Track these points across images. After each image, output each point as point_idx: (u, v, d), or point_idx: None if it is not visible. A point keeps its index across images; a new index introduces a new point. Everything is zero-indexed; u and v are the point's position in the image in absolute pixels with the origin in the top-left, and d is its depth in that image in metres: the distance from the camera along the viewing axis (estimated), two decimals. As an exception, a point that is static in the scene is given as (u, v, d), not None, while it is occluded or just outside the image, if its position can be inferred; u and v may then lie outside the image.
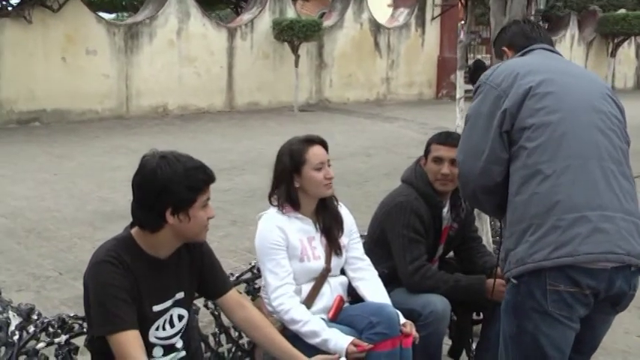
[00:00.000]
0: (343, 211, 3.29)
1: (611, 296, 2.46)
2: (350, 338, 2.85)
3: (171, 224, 2.36)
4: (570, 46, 28.87)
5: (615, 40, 30.10)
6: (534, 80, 2.54)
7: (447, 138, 3.49)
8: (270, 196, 3.17)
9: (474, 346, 3.87)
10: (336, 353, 2.79)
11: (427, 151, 3.53)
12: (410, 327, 3.02)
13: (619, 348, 4.57)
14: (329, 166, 3.11)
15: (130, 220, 2.48)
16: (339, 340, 2.84)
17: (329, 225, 3.16)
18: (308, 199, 3.11)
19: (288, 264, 3.01)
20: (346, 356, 2.76)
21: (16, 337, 2.36)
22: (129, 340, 2.26)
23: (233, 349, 3.12)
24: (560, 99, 2.52)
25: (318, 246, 3.13)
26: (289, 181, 3.11)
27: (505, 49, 2.91)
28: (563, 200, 2.40)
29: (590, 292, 2.41)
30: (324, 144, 3.15)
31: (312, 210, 3.16)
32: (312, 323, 2.90)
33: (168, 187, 2.31)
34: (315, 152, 3.09)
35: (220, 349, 3.07)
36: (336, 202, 3.25)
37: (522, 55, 2.79)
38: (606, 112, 2.57)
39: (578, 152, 2.45)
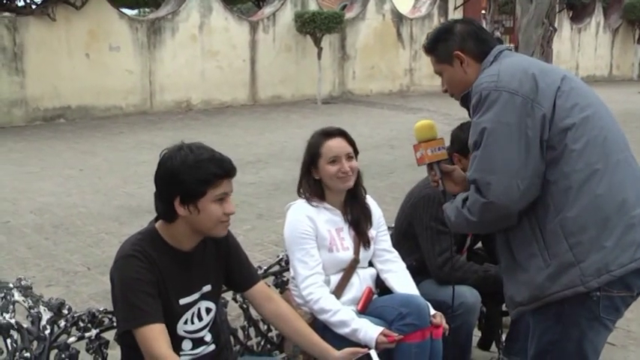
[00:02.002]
0: (371, 203, 3.27)
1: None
2: (380, 328, 2.83)
3: (183, 215, 2.35)
4: (595, 34, 28.50)
5: (642, 27, 29.65)
6: (555, 79, 2.37)
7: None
8: (298, 188, 3.17)
9: (503, 337, 3.83)
10: (366, 343, 2.77)
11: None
12: (440, 318, 2.99)
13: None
14: (350, 158, 3.08)
15: (155, 214, 2.48)
16: (369, 330, 2.82)
17: (357, 217, 3.15)
18: (333, 191, 3.10)
19: (317, 254, 3.00)
20: (376, 347, 2.74)
21: (47, 332, 2.38)
22: (154, 334, 2.26)
23: (262, 342, 3.12)
24: (582, 94, 2.40)
25: (346, 237, 3.11)
26: (309, 174, 3.11)
27: (459, 53, 2.54)
28: (628, 196, 2.29)
29: (637, 293, 2.34)
30: (345, 136, 3.12)
31: (340, 201, 3.14)
32: (342, 313, 2.89)
33: (176, 176, 2.31)
34: (330, 145, 3.07)
35: (249, 343, 3.07)
36: (364, 195, 3.23)
37: (495, 59, 2.50)
38: (604, 103, 2.51)
39: (618, 145, 2.37)
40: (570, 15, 28.03)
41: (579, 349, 2.36)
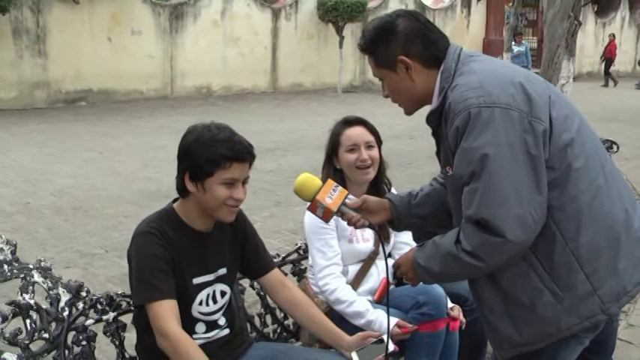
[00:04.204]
0: None
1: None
2: (395, 320, 2.82)
3: (192, 192, 2.36)
4: (620, 28, 28.21)
5: (668, 22, 29.30)
6: (542, 86, 2.08)
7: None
8: (321, 177, 3.15)
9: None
10: (381, 335, 2.77)
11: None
12: (457, 311, 2.97)
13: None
14: (370, 147, 3.04)
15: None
16: (384, 321, 2.82)
17: None
18: (353, 182, 3.08)
19: (336, 244, 2.99)
20: (391, 338, 2.73)
21: (65, 313, 2.39)
22: (164, 310, 2.26)
23: (278, 330, 3.12)
24: (566, 100, 2.13)
25: (367, 229, 3.09)
26: (331, 163, 3.10)
27: (404, 58, 2.14)
28: (627, 208, 2.09)
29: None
30: (365, 124, 3.09)
31: (363, 192, 3.11)
32: (358, 304, 2.88)
33: (188, 151, 2.33)
34: (349, 134, 3.05)
35: (266, 330, 3.07)
36: (388, 187, 3.20)
37: (461, 64, 2.12)
38: None
39: (606, 154, 2.17)
40: (595, 9, 27.74)
41: None
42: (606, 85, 24.33)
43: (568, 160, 1.99)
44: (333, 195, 2.33)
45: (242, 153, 2.34)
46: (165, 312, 2.26)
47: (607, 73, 24.55)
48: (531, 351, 2.11)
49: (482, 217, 1.94)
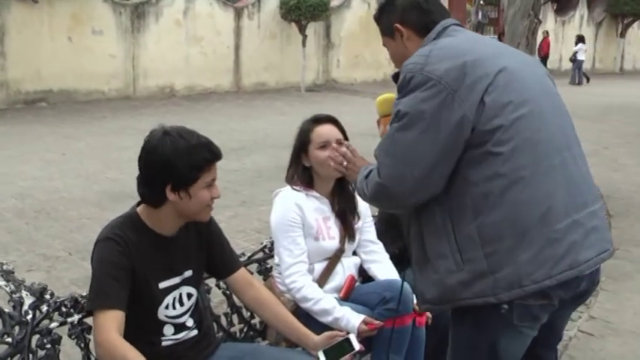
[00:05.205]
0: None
1: (575, 296, 2.22)
2: (361, 316, 2.84)
3: (172, 201, 2.34)
4: (579, 27, 28.66)
5: (625, 21, 29.89)
6: (488, 71, 2.12)
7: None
8: (287, 175, 3.16)
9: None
10: (348, 332, 2.79)
11: None
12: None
13: (628, 329, 4.56)
14: (340, 145, 3.07)
15: (138, 200, 2.48)
16: (351, 318, 2.84)
17: (344, 208, 3.15)
18: (322, 179, 3.10)
19: (303, 242, 3.00)
20: (358, 335, 2.76)
21: (29, 317, 2.36)
22: (106, 320, 2.23)
23: (245, 329, 3.12)
24: (520, 89, 2.16)
25: (332, 226, 3.11)
26: (298, 160, 3.11)
27: (399, 26, 2.35)
28: (553, 207, 2.09)
29: (557, 300, 2.16)
30: (335, 122, 3.12)
31: (328, 190, 3.14)
32: (324, 302, 2.90)
33: (169, 163, 2.29)
34: (320, 131, 3.07)
35: (232, 329, 3.07)
36: (353, 186, 3.23)
37: (439, 36, 2.28)
38: (556, 93, 2.33)
39: (554, 148, 2.17)
40: (555, 7, 28.16)
41: (493, 356, 2.23)
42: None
43: (492, 143, 2.07)
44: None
45: (219, 152, 2.38)
46: (107, 322, 2.23)
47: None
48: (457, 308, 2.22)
49: (375, 154, 2.22)
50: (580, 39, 25.01)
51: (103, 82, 16.17)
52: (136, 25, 16.66)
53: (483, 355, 2.24)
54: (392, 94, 2.52)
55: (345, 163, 2.53)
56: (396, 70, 2.34)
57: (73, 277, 5.22)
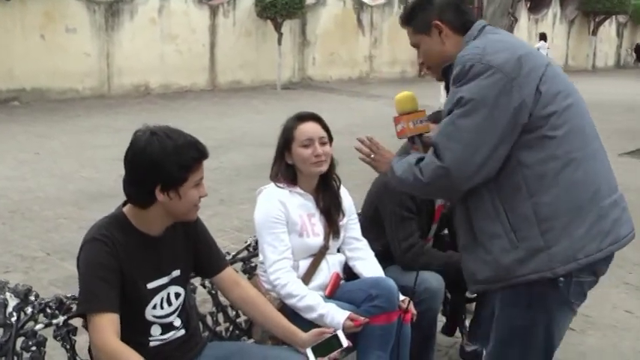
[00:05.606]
0: (343, 192, 3.27)
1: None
2: (346, 313, 2.85)
3: (161, 201, 2.33)
4: (552, 25, 28.96)
5: (597, 19, 30.20)
6: (538, 64, 2.31)
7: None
8: (271, 172, 3.16)
9: (467, 323, 3.89)
10: (333, 328, 2.78)
11: None
12: (409, 303, 3.02)
13: (607, 322, 4.63)
14: (323, 143, 3.08)
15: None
16: (336, 314, 2.84)
17: (328, 205, 3.15)
18: (305, 176, 3.10)
19: (287, 239, 3.00)
20: (343, 331, 2.76)
21: (14, 319, 2.32)
22: (102, 323, 2.23)
23: (231, 328, 3.11)
24: (564, 82, 2.37)
25: (317, 223, 3.11)
26: (282, 158, 3.11)
27: (438, 22, 2.46)
28: (601, 187, 2.31)
29: (599, 277, 2.38)
30: (318, 120, 3.12)
31: (313, 187, 3.14)
32: (309, 298, 2.90)
33: (157, 164, 2.27)
34: (303, 129, 3.07)
35: (218, 328, 3.06)
36: (337, 184, 3.24)
37: (479, 34, 2.43)
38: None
39: (593, 135, 2.39)
40: (528, 5, 28.40)
41: (548, 335, 2.38)
42: None
43: (546, 128, 2.25)
44: (417, 124, 2.54)
45: (206, 150, 2.38)
46: (103, 325, 2.23)
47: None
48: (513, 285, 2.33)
49: (436, 141, 2.30)
50: (542, 37, 25.15)
51: (76, 81, 15.98)
52: (110, 23, 16.51)
53: (539, 336, 2.38)
54: (410, 92, 2.61)
55: (372, 155, 2.60)
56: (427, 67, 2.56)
57: (52, 278, 5.16)
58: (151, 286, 2.42)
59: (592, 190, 2.29)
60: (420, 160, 2.36)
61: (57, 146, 10.55)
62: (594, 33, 30.57)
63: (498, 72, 2.23)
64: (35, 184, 8.22)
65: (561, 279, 2.28)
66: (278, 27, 18.24)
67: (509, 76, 2.23)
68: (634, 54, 31.98)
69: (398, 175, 2.43)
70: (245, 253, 3.23)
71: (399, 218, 3.43)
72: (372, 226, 3.50)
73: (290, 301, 2.92)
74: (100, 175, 8.34)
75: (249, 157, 9.55)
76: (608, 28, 32.31)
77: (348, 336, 2.65)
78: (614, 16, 31.28)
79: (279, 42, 18.38)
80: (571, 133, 2.28)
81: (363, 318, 2.86)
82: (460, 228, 2.48)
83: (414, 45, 2.57)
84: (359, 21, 21.88)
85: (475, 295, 3.86)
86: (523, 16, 27.11)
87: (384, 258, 3.38)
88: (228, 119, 13.63)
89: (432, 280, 3.30)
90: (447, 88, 2.49)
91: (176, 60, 17.66)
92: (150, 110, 14.41)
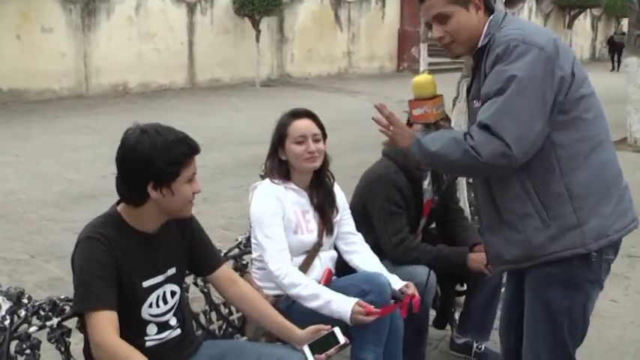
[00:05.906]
0: (336, 189, 3.28)
1: None
2: (354, 300, 2.81)
3: (155, 198, 2.33)
4: (528, 18, 29.11)
5: (572, 12, 30.45)
6: (568, 49, 2.42)
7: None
8: (265, 169, 3.16)
9: (456, 315, 3.92)
10: (339, 315, 2.76)
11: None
12: (412, 288, 3.06)
13: (593, 312, 4.66)
14: (317, 140, 3.09)
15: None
16: (342, 301, 2.81)
17: (322, 202, 3.15)
18: (298, 172, 3.10)
19: (284, 234, 2.99)
20: (351, 318, 2.75)
21: (7, 322, 2.31)
22: (101, 321, 2.22)
23: (224, 326, 3.11)
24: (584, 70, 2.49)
25: (311, 220, 3.12)
26: (276, 154, 3.11)
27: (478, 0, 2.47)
28: (620, 169, 2.47)
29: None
30: (313, 117, 3.13)
31: (306, 183, 3.14)
32: (314, 286, 2.90)
33: (148, 161, 2.28)
34: (297, 126, 3.07)
35: (211, 327, 3.05)
36: (331, 181, 3.24)
37: (504, 19, 2.48)
38: None
39: (608, 126, 2.51)
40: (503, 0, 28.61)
41: (584, 313, 2.49)
42: None
43: (579, 110, 2.35)
44: (440, 109, 2.55)
45: (196, 145, 2.39)
46: (102, 323, 2.22)
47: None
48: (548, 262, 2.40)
49: (488, 123, 2.26)
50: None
51: (54, 81, 15.83)
52: (87, 22, 16.36)
53: (578, 315, 2.47)
54: (430, 75, 2.60)
55: (392, 128, 2.57)
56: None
57: (37, 281, 5.11)
58: (146, 284, 2.41)
59: (616, 172, 2.44)
60: (467, 134, 2.33)
61: (37, 148, 10.44)
62: (569, 26, 30.83)
63: (543, 52, 2.28)
64: (17, 186, 8.14)
65: (594, 254, 2.37)
66: (256, 24, 18.19)
67: (551, 56, 2.29)
68: (607, 46, 32.29)
69: (434, 151, 2.38)
70: (236, 251, 3.23)
71: (387, 213, 3.44)
72: (361, 221, 3.51)
73: (294, 291, 2.89)
74: (82, 176, 8.26)
75: (230, 155, 9.52)
76: (583, 22, 32.62)
77: (343, 332, 2.66)
78: (588, 10, 31.60)
79: (257, 39, 18.33)
80: (598, 117, 2.41)
81: (372, 306, 2.81)
82: (484, 209, 2.55)
83: (439, 17, 2.46)
84: (336, 17, 21.88)
85: (464, 287, 3.89)
86: (499, 9, 27.29)
87: (375, 253, 3.40)
88: (208, 118, 13.57)
89: (423, 274, 3.33)
90: (473, 71, 2.51)
91: (154, 58, 17.56)
92: (129, 110, 14.30)
